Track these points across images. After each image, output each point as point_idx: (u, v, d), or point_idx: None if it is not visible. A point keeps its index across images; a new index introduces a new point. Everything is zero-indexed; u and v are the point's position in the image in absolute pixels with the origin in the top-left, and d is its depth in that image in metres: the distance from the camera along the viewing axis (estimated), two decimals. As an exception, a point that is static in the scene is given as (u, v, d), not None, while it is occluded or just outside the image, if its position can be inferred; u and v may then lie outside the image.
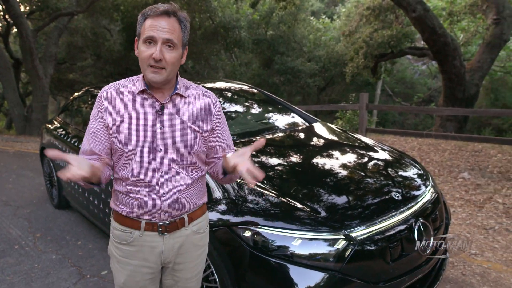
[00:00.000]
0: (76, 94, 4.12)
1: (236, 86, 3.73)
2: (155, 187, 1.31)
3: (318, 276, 1.71)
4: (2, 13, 15.29)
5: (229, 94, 3.49)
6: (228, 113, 3.14)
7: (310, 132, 3.03)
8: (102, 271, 2.85)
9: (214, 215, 1.90)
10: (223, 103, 3.24)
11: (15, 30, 15.80)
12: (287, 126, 3.12)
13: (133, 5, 14.82)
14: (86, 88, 3.97)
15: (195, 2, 13.56)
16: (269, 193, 1.95)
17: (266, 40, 16.94)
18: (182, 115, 1.33)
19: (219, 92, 3.41)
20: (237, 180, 2.03)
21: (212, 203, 1.96)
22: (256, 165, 2.31)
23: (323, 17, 20.54)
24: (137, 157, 1.29)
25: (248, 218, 1.82)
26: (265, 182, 2.06)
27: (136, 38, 1.30)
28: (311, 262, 1.72)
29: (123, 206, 1.36)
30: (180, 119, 1.32)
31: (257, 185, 2.01)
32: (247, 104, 3.47)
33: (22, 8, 12.77)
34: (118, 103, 1.32)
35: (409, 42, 12.78)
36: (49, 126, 4.30)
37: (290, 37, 17.07)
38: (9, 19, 14.60)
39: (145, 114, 1.30)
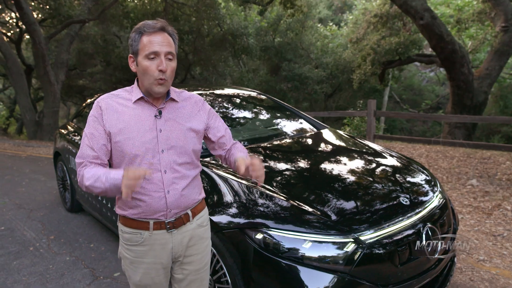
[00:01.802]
0: (89, 100, 4.23)
1: (246, 92, 3.81)
2: (160, 186, 1.40)
3: (327, 278, 1.75)
4: (15, 20, 15.65)
5: (239, 100, 3.56)
6: (237, 119, 3.21)
7: (318, 138, 3.09)
8: (115, 272, 2.91)
9: (225, 218, 1.96)
10: (232, 109, 3.31)
11: (27, 37, 16.16)
12: (296, 132, 3.18)
13: (143, 13, 15.09)
14: (99, 94, 4.07)
15: (203, 9, 13.75)
16: (280, 196, 2.01)
17: (274, 47, 17.09)
18: (178, 118, 1.45)
19: (228, 98, 3.48)
20: (247, 183, 2.10)
21: (223, 206, 2.02)
22: (267, 170, 2.36)
23: (331, 24, 20.66)
24: (141, 160, 1.38)
25: (259, 220, 1.88)
26: (275, 186, 2.12)
27: (131, 55, 1.39)
28: (321, 264, 1.76)
29: (130, 209, 1.43)
30: (177, 121, 1.44)
31: (267, 189, 2.07)
32: (256, 110, 3.54)
33: (34, 16, 13.05)
34: (117, 111, 1.40)
35: (416, 49, 12.81)
36: (63, 131, 4.40)
37: (298, 44, 17.20)
38: (21, 26, 14.94)
39: (144, 120, 1.40)
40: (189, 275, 1.55)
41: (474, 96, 9.28)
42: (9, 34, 15.98)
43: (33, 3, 13.16)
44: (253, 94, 3.81)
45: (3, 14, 16.25)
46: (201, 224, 1.56)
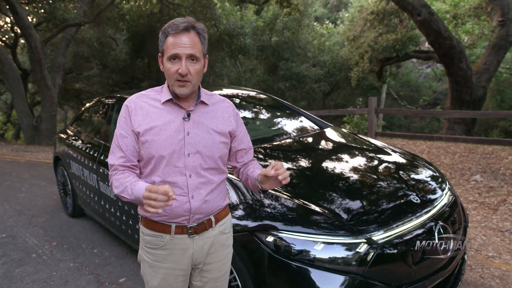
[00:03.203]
0: (88, 104, 4.18)
1: (247, 92, 3.77)
2: (184, 190, 1.37)
3: (340, 280, 1.71)
4: (10, 25, 15.54)
5: (241, 101, 3.52)
6: (244, 119, 3.17)
7: (323, 137, 3.05)
8: (120, 278, 2.87)
9: (234, 221, 1.92)
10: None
11: (22, 41, 16.06)
12: (300, 132, 3.15)
13: (139, 15, 15.01)
14: (98, 98, 4.03)
15: (199, 10, 13.70)
16: (289, 198, 1.97)
17: (271, 46, 17.06)
18: (207, 121, 1.41)
19: (230, 98, 3.44)
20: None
21: (231, 209, 1.98)
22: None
23: (327, 22, 20.64)
24: (166, 162, 1.35)
25: (269, 223, 1.84)
26: (284, 187, 2.08)
27: (160, 54, 1.37)
28: (333, 266, 1.73)
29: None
30: (206, 125, 1.40)
31: (276, 190, 2.03)
32: (259, 110, 3.50)
33: (29, 20, 12.95)
34: (145, 111, 1.38)
35: (414, 46, 12.81)
36: (62, 135, 4.35)
37: (295, 43, 17.17)
38: (16, 31, 14.85)
39: (172, 122, 1.37)
40: (208, 283, 1.51)
41: (473, 91, 9.28)
42: (4, 38, 15.87)
43: (27, 7, 13.07)
44: (256, 94, 3.77)
45: (-2, 19, 16.15)
46: (224, 231, 1.51)
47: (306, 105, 18.67)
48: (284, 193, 2.02)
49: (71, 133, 4.15)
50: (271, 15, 16.79)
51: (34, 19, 14.39)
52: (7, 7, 11.35)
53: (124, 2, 14.90)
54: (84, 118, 4.07)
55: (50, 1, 11.58)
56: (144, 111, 1.38)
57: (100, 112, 3.65)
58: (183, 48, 1.28)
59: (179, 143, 1.35)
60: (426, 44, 19.32)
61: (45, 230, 3.93)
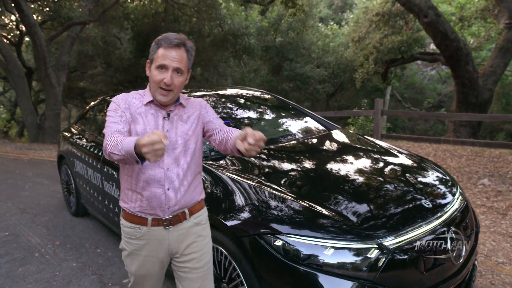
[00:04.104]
0: (92, 103, 4.15)
1: (253, 92, 3.73)
2: (161, 182, 1.49)
3: (350, 286, 1.67)
4: (15, 23, 15.58)
5: (247, 101, 3.48)
6: (246, 120, 3.12)
7: (331, 139, 3.01)
8: (124, 279, 2.83)
9: (241, 224, 1.88)
10: (240, 110, 3.23)
11: (27, 39, 16.09)
12: (307, 133, 3.10)
13: (143, 14, 15.00)
14: (103, 96, 4.00)
15: (204, 10, 13.66)
16: (298, 201, 1.93)
17: (275, 46, 17.01)
18: (184, 120, 1.58)
19: (235, 99, 3.40)
20: (268, 189, 2.01)
21: (238, 211, 1.94)
22: (282, 173, 2.29)
23: (331, 23, 20.56)
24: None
25: (278, 226, 1.80)
26: (292, 190, 2.04)
27: (148, 61, 1.52)
28: (343, 271, 1.68)
29: (130, 203, 1.54)
30: (183, 124, 1.57)
31: (285, 193, 1.99)
32: (265, 111, 3.46)
33: (34, 18, 12.96)
34: (131, 107, 1.53)
35: (419, 47, 12.73)
36: (66, 134, 4.32)
37: (299, 44, 17.12)
38: (22, 29, 14.88)
39: (154, 120, 1.52)
40: (189, 272, 1.61)
41: (479, 94, 9.19)
42: (9, 36, 15.90)
43: (33, 6, 13.08)
44: (261, 94, 3.73)
45: (3, 17, 16.17)
46: (199, 222, 1.63)
47: (309, 106, 18.61)
48: (292, 195, 1.97)
49: (75, 132, 4.12)
50: (276, 15, 16.75)
51: (39, 18, 14.39)
52: (13, 5, 11.36)
53: (129, 1, 14.91)
54: (88, 116, 4.04)
55: (55, 0, 11.59)
56: (130, 106, 1.52)
57: (105, 111, 3.62)
58: (171, 61, 1.44)
59: None
60: (431, 46, 19.24)
61: (48, 229, 3.90)
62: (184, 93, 3.21)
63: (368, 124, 8.08)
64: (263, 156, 2.49)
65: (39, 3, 12.93)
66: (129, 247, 1.57)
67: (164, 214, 1.52)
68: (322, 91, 17.07)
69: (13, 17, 15.60)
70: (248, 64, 19.31)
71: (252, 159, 2.42)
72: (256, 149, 1.33)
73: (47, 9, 12.65)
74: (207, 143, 2.11)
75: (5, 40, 13.85)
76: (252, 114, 3.28)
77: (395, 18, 13.23)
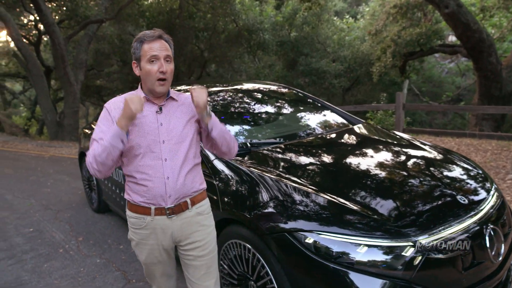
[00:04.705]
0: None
1: (270, 86, 3.66)
2: (160, 172, 1.56)
3: (383, 285, 1.61)
4: (33, 22, 15.85)
5: (265, 96, 3.42)
6: (265, 115, 3.07)
7: (356, 133, 2.93)
8: (147, 276, 2.83)
9: (270, 220, 1.83)
10: (259, 105, 3.17)
11: (45, 39, 16.35)
12: (330, 128, 3.03)
13: (158, 11, 15.06)
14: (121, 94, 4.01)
15: (219, 5, 13.62)
16: (328, 197, 1.87)
17: (290, 41, 16.85)
18: (177, 113, 1.64)
19: (252, 93, 3.35)
20: (294, 184, 1.96)
21: (266, 208, 1.89)
22: (309, 168, 2.23)
23: (347, 17, 20.25)
24: (144, 149, 1.56)
25: (308, 223, 1.75)
26: (322, 185, 1.98)
27: (134, 61, 1.60)
28: (376, 269, 1.63)
29: (133, 194, 1.61)
30: (176, 116, 1.63)
31: (315, 190, 1.93)
32: (286, 105, 3.40)
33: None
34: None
35: (438, 40, 12.41)
36: (87, 131, 4.35)
37: (314, 38, 16.91)
38: (40, 28, 15.13)
39: (147, 115, 1.59)
40: (194, 260, 1.67)
41: (503, 86, 8.91)
42: (28, 36, 16.19)
43: (51, 5, 13.27)
44: (278, 88, 3.66)
45: (22, 17, 16.47)
46: (201, 212, 1.68)
47: (325, 101, 18.38)
48: (325, 192, 1.92)
49: (96, 129, 4.13)
50: (291, 10, 16.56)
51: (57, 17, 14.59)
52: (31, 5, 11.54)
53: (144, -2, 14.97)
54: (109, 113, 4.05)
55: (73, -1, 11.71)
56: (121, 109, 1.53)
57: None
58: (160, 50, 1.54)
59: (154, 132, 1.57)
60: (449, 38, 18.75)
61: (71, 225, 3.94)
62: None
63: (388, 119, 7.91)
64: (289, 152, 2.43)
65: (56, 2, 13.12)
66: (136, 236, 1.66)
67: (166, 203, 1.58)
68: (338, 86, 16.85)
69: (31, 17, 15.87)
70: (262, 59, 19.19)
71: (276, 154, 2.37)
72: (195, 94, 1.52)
73: (65, 8, 12.81)
74: None
75: (24, 40, 14.10)
76: (271, 109, 3.22)
77: (413, 10, 12.92)
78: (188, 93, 1.69)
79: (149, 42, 1.54)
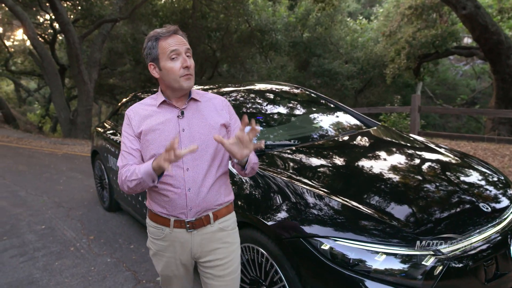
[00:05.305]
0: (124, 99, 4.17)
1: (280, 87, 3.60)
2: (181, 182, 1.44)
3: (402, 295, 1.55)
4: (49, 22, 16.08)
5: (275, 96, 3.37)
6: (279, 117, 3.03)
7: (372, 136, 2.86)
8: (157, 276, 2.80)
9: (284, 225, 1.78)
10: (272, 106, 3.12)
11: (60, 37, 16.58)
12: (346, 130, 2.97)
13: (172, 11, 15.14)
14: (134, 93, 4.00)
15: (232, 6, 13.62)
16: (346, 203, 1.81)
17: (303, 42, 16.77)
18: (200, 117, 1.50)
19: (264, 94, 3.30)
20: (310, 188, 1.91)
21: (281, 212, 1.84)
22: (324, 172, 2.18)
23: (360, 18, 20.07)
24: None
25: (325, 229, 1.69)
26: (339, 191, 1.93)
27: (151, 62, 1.45)
28: (395, 279, 1.56)
29: (154, 204, 1.52)
30: (199, 120, 1.49)
31: (332, 195, 1.88)
32: (299, 106, 3.34)
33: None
34: (143, 115, 1.50)
35: (454, 41, 12.20)
36: (100, 129, 4.36)
37: (327, 39, 16.81)
38: (55, 27, 15.34)
39: (168, 121, 1.47)
40: (213, 279, 1.54)
41: (521, 90, 8.70)
42: (43, 35, 16.44)
43: (66, 4, 13.43)
44: (290, 89, 3.61)
45: (38, 16, 16.73)
46: (224, 228, 1.54)
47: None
48: (343, 198, 1.86)
49: (109, 127, 4.14)
50: (304, 10, 16.49)
51: (72, 16, 14.78)
52: (47, 4, 11.70)
53: (157, -2, 15.06)
54: (121, 112, 4.06)
55: (88, -2, 11.85)
56: (141, 116, 1.49)
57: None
58: (180, 45, 1.41)
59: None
60: (465, 40, 18.43)
61: (82, 223, 3.95)
62: (212, 88, 3.14)
63: (402, 121, 7.79)
64: (304, 154, 2.38)
65: (72, 1, 13.27)
66: (154, 247, 1.57)
67: (187, 216, 1.46)
68: (351, 87, 16.70)
69: (47, 16, 16.10)
70: (274, 60, 19.14)
71: (290, 156, 2.32)
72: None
73: (80, 7, 12.96)
74: None
75: (40, 39, 14.30)
76: (284, 110, 3.17)
77: (428, 11, 12.73)
78: (213, 94, 1.59)
79: (166, 39, 1.41)
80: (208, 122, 1.49)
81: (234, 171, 2.18)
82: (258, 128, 1.29)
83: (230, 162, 1.63)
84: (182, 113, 1.47)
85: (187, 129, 1.46)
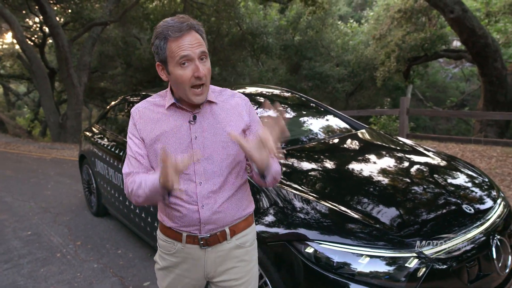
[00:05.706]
0: (113, 103, 4.14)
1: (271, 90, 3.61)
2: (193, 198, 1.26)
3: (386, 297, 1.55)
4: (38, 25, 15.93)
5: (270, 100, 3.38)
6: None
7: (359, 139, 2.87)
8: (145, 281, 2.78)
9: (268, 228, 1.78)
10: (257, 108, 3.13)
11: (50, 41, 16.43)
12: (332, 133, 2.98)
13: (163, 14, 15.09)
14: (123, 96, 3.98)
15: (223, 9, 13.64)
16: (329, 205, 1.82)
17: (294, 45, 16.85)
18: (216, 122, 1.29)
19: (252, 97, 3.30)
20: (296, 192, 1.91)
21: (266, 215, 1.84)
22: (311, 175, 2.18)
23: (351, 21, 20.24)
24: None
25: (309, 232, 1.69)
26: (322, 193, 1.93)
27: (159, 63, 1.24)
28: (379, 281, 1.57)
29: (165, 217, 1.36)
30: (214, 127, 1.28)
31: (316, 198, 1.88)
32: (288, 109, 3.35)
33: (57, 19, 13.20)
34: (150, 119, 1.30)
35: (443, 45, 12.35)
36: (88, 133, 4.32)
37: (318, 42, 16.91)
38: (45, 30, 15.19)
39: (178, 127, 1.27)
40: None
41: (508, 92, 8.84)
42: (33, 38, 16.28)
43: (56, 7, 13.33)
44: (281, 92, 3.62)
45: (27, 19, 16.57)
46: (242, 244, 1.36)
47: (328, 105, 18.29)
48: (326, 201, 1.86)
49: (97, 131, 4.10)
50: (295, 13, 16.59)
51: (62, 19, 14.68)
52: (36, 7, 11.60)
53: (148, 1, 15.02)
54: (109, 116, 4.02)
55: (77, 1, 11.77)
56: (148, 119, 1.30)
57: (125, 110, 3.59)
58: (192, 48, 1.17)
59: (186, 149, 1.26)
60: (454, 43, 18.67)
61: (69, 229, 3.90)
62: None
63: (391, 124, 7.85)
64: (290, 157, 2.38)
65: (61, 4, 13.16)
66: (163, 262, 1.40)
67: (200, 232, 1.30)
68: (342, 90, 16.81)
69: (36, 19, 15.95)
70: (266, 63, 19.20)
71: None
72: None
73: (70, 10, 12.88)
74: None
75: (29, 42, 14.16)
76: (271, 114, 3.17)
77: (417, 14, 12.89)
78: (232, 91, 1.37)
79: (176, 40, 1.16)
80: (225, 128, 1.28)
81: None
82: (287, 115, 1.09)
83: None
84: (195, 117, 1.27)
85: (199, 137, 1.26)
